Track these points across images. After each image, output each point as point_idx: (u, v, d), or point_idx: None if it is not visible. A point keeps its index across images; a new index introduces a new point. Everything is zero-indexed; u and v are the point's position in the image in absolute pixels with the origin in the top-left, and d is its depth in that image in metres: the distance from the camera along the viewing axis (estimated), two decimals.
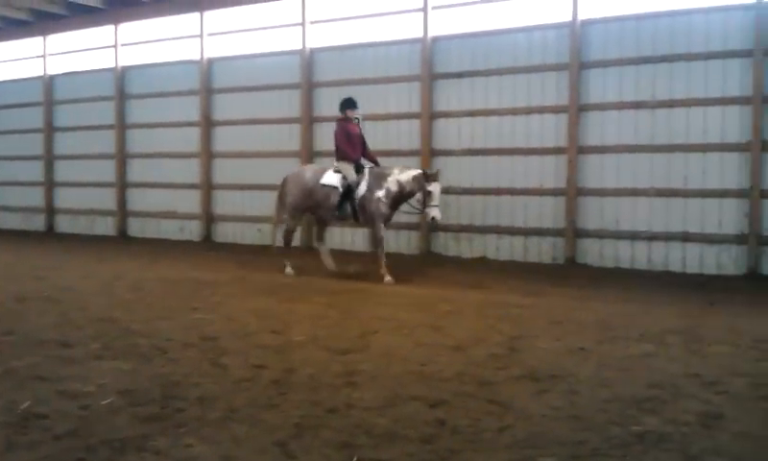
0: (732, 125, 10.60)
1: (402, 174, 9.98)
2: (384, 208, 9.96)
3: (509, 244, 12.36)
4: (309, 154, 14.39)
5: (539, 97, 12.12)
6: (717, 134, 10.71)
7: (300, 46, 14.50)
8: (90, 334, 6.31)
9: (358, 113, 10.58)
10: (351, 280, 9.84)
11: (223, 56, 15.74)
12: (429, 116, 13.06)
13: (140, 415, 4.19)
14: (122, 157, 17.17)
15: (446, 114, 13.02)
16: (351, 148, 10.16)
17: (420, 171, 10.08)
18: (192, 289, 8.95)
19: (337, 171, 10.20)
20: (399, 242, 13.39)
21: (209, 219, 15.94)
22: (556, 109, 11.91)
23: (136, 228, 17.19)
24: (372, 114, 13.52)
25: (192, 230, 16.17)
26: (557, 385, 4.85)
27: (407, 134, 13.31)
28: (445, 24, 13.07)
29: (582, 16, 11.69)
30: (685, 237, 10.83)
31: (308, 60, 14.41)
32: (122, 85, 17.12)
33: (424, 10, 13.03)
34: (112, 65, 17.25)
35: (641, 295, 8.78)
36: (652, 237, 11.09)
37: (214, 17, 15.74)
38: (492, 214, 12.54)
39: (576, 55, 11.64)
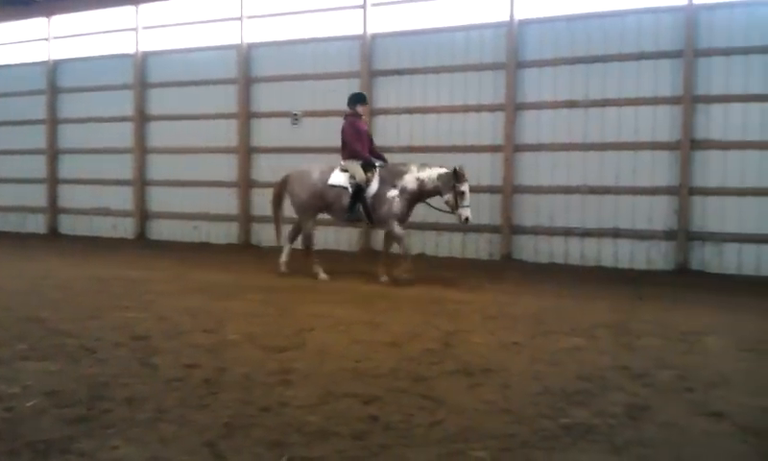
0: (663, 124, 10.92)
1: (423, 171, 9.39)
2: (398, 208, 9.35)
3: (447, 241, 12.46)
4: (247, 150, 14.25)
5: (476, 95, 12.25)
6: (648, 133, 11.02)
7: (237, 41, 14.33)
8: (16, 335, 6.09)
9: (363, 109, 9.94)
10: (289, 278, 9.73)
11: (158, 50, 15.45)
12: (368, 113, 13.02)
13: (66, 417, 4.06)
14: (53, 153, 16.68)
15: (386, 111, 13.04)
16: (361, 145, 9.56)
17: (445, 169, 9.32)
18: (124, 288, 8.73)
19: (344, 170, 9.60)
20: (339, 239, 13.37)
21: (144, 216, 15.60)
22: (493, 108, 12.05)
23: (68, 225, 16.71)
24: (311, 111, 13.52)
25: (126, 228, 15.81)
26: (490, 379, 4.89)
27: None
28: (385, 21, 13.10)
29: (519, 16, 11.87)
30: (617, 233, 11.11)
31: (246, 54, 14.24)
32: (54, 79, 16.64)
33: (364, 6, 13.04)
34: (44, 58, 16.74)
35: (574, 290, 8.95)
36: (585, 233, 11.34)
37: (149, 10, 15.42)
38: (433, 211, 12.57)
39: (513, 54, 11.81)
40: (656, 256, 10.98)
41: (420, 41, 12.74)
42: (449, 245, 12.46)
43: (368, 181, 9.38)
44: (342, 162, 9.71)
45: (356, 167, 9.46)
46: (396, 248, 9.72)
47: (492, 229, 12.08)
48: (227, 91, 14.49)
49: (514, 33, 11.82)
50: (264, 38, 14.27)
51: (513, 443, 3.75)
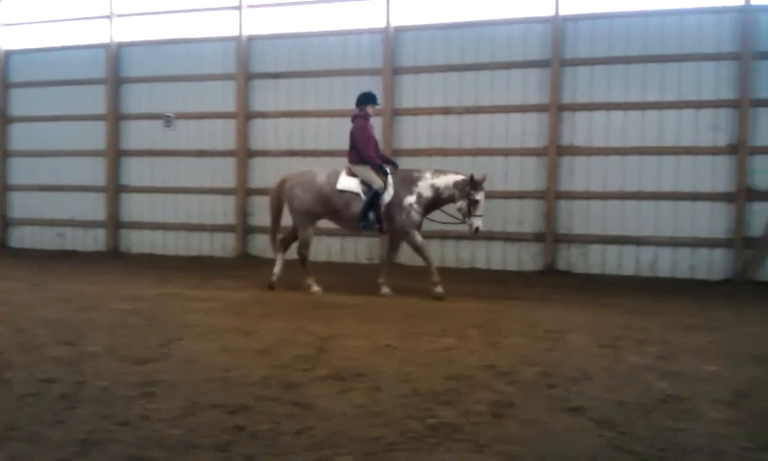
0: (531, 131, 11.35)
1: (438, 178, 8.87)
2: (416, 216, 8.86)
3: (327, 245, 12.42)
4: (116, 153, 13.68)
5: (353, 101, 12.22)
6: (518, 140, 11.41)
7: (106, 40, 13.74)
8: None
9: (372, 111, 9.23)
10: (166, 286, 9.38)
11: (21, 48, 14.59)
12: (245, 116, 12.83)
13: None
14: None
15: (263, 115, 12.89)
16: (374, 150, 9.02)
17: (462, 176, 8.80)
18: None
19: (352, 175, 8.98)
20: (214, 244, 13.05)
21: (4, 223, 14.67)
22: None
23: None
24: (185, 113, 13.14)
25: None
26: (361, 383, 4.86)
27: (221, 134, 13.05)
28: (262, 23, 12.93)
29: (395, 23, 12.00)
30: (489, 236, 11.44)
31: (115, 54, 13.69)
32: None
33: (239, 8, 12.83)
34: None
35: (448, 291, 9.08)
36: (459, 237, 11.60)
37: (11, 6, 14.51)
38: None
39: (389, 60, 11.93)
40: (526, 258, 11.41)
41: (299, 45, 12.67)
42: (328, 249, 12.47)
43: (384, 189, 8.81)
44: (350, 166, 9.06)
45: (370, 173, 8.83)
46: (421, 257, 9.04)
47: (373, 234, 12.11)
48: (95, 92, 13.88)
49: (390, 39, 11.96)
50: (135, 38, 13.75)
51: (379, 446, 3.73)
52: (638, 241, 10.94)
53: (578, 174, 11.18)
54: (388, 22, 11.99)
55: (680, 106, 10.77)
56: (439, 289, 8.68)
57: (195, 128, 13.13)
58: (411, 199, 8.81)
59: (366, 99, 9.13)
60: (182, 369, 5.21)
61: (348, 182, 8.94)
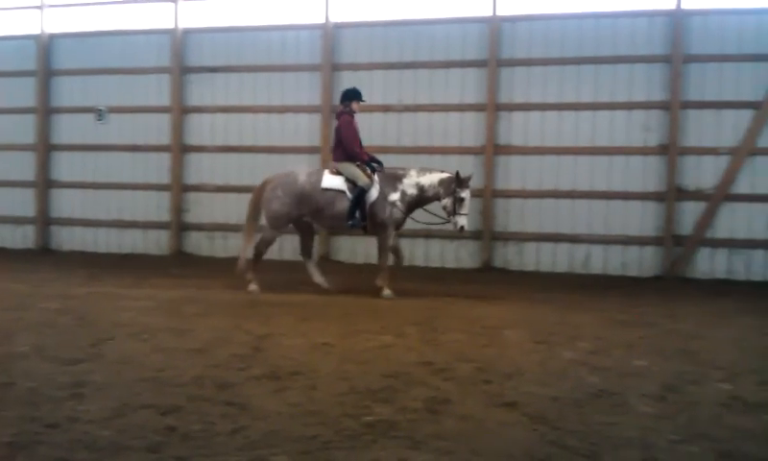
0: (469, 130, 11.45)
1: (423, 176, 8.71)
2: (398, 214, 8.69)
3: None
4: (46, 147, 13.25)
5: (294, 96, 12.22)
6: (456, 138, 11.51)
7: (37, 30, 13.28)
8: None
9: (357, 107, 8.94)
10: (96, 285, 9.12)
11: None
12: (180, 111, 12.59)
13: None
14: None
15: (199, 109, 12.68)
16: (360, 147, 8.84)
17: (448, 174, 8.67)
18: None
19: (336, 173, 8.76)
20: (147, 241, 12.79)
21: None
22: (310, 109, 12.07)
23: None
24: (118, 107, 12.84)
25: None
26: (297, 382, 4.81)
27: (156, 129, 12.78)
28: (198, 16, 12.71)
29: (334, 19, 11.95)
30: (428, 234, 11.49)
31: (46, 45, 13.26)
32: None
33: (175, 0, 12.55)
34: None
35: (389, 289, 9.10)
36: (400, 235, 11.58)
37: None
38: (217, 211, 12.56)
39: (329, 56, 11.89)
40: (464, 255, 11.51)
41: (236, 39, 12.51)
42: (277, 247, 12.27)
43: (369, 187, 8.63)
44: (334, 164, 8.86)
45: (355, 170, 8.67)
46: (378, 255, 8.93)
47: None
48: (24, 84, 13.42)
49: (329, 35, 11.91)
50: (67, 29, 13.33)
51: (314, 445, 3.70)
52: (572, 239, 11.17)
53: (514, 173, 11.34)
54: (327, 18, 11.93)
55: (613, 107, 11.03)
56: (387, 292, 8.61)
57: (128, 122, 12.83)
58: (395, 196, 8.66)
59: (351, 95, 8.88)
60: (114, 369, 5.07)
61: (332, 181, 8.72)
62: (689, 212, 10.87)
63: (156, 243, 12.88)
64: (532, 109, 11.28)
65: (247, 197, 12.11)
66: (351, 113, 8.84)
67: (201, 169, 12.62)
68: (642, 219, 10.99)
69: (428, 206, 8.93)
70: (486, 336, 6.37)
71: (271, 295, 8.49)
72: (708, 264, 10.83)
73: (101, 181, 13.13)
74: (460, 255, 11.54)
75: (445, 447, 3.71)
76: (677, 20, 10.69)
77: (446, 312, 7.55)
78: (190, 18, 12.71)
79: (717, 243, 10.79)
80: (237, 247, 12.24)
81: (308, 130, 12.14)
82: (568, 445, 3.76)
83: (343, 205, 8.65)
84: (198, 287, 9.05)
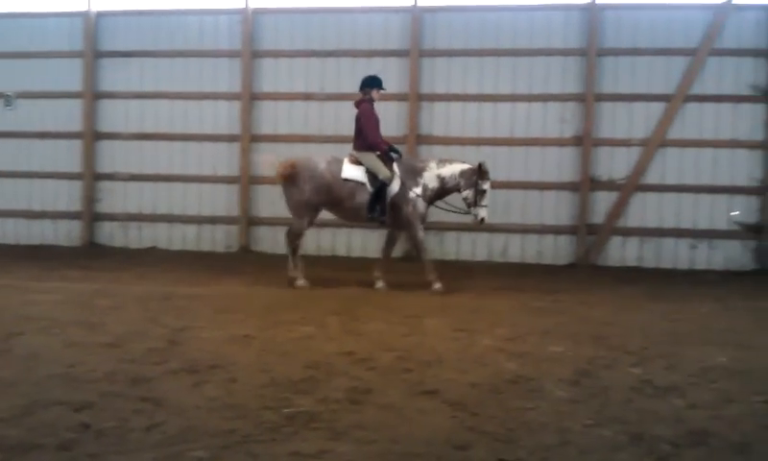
0: (391, 119, 11.45)
1: (444, 168, 8.48)
2: (422, 208, 8.48)
3: (181, 233, 12.04)
4: None
5: (212, 83, 11.96)
6: (381, 127, 11.40)
7: None
8: None
9: (377, 95, 8.70)
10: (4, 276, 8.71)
11: None
12: (93, 96, 12.15)
13: None
14: None
15: (113, 95, 12.28)
16: (380, 137, 8.55)
17: (468, 166, 8.47)
18: None
19: (356, 162, 8.48)
20: (58, 232, 12.31)
21: None
22: (229, 96, 11.86)
23: None
24: (27, 92, 12.31)
25: None
26: (215, 375, 4.72)
27: (66, 115, 12.29)
28: None
29: (254, 5, 11.77)
30: (351, 224, 11.46)
31: None
32: None
33: None
34: None
35: (309, 280, 9.02)
36: (321, 224, 11.52)
37: None
38: (163, 202, 12.13)
39: (248, 43, 11.69)
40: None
41: (152, 23, 12.16)
42: (183, 237, 12.07)
43: (391, 179, 8.37)
44: (354, 153, 8.57)
45: (376, 161, 8.39)
46: (416, 252, 8.85)
47: (230, 220, 11.88)
48: None
49: (249, 21, 11.70)
50: None
51: (234, 438, 3.63)
52: (491, 228, 11.32)
53: None
54: (247, 4, 11.71)
55: (530, 99, 11.25)
56: (437, 285, 8.45)
57: (38, 108, 12.28)
58: (417, 191, 8.44)
59: (370, 82, 8.63)
60: (23, 365, 4.86)
61: (352, 171, 8.44)
62: (602, 202, 11.21)
63: (67, 234, 12.40)
64: (453, 100, 11.40)
65: (163, 186, 12.02)
66: (371, 102, 8.60)
67: (114, 157, 12.22)
68: (557, 209, 11.27)
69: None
70: (407, 325, 6.40)
71: (186, 287, 8.30)
72: (620, 252, 11.21)
73: (9, 169, 12.52)
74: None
75: (366, 436, 3.71)
76: (592, 14, 10.98)
77: (368, 301, 7.57)
78: (104, 1, 12.25)
79: (629, 232, 11.18)
80: (152, 237, 12.05)
81: (227, 117, 11.91)
82: (487, 430, 3.81)
83: (363, 197, 8.39)
84: (110, 280, 8.78)
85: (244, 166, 11.72)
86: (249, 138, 11.74)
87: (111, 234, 12.26)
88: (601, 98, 11.07)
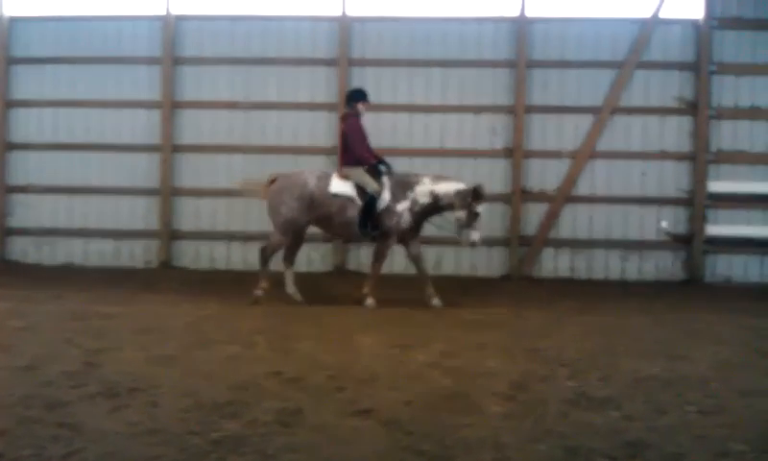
0: (321, 129, 11.32)
1: (439, 185, 8.32)
2: (406, 224, 8.31)
3: (98, 248, 11.53)
4: None
5: (132, 91, 11.52)
6: (307, 138, 11.32)
7: None
8: None
9: (364, 108, 8.60)
10: None
11: None
12: (4, 105, 11.56)
13: None
14: None
15: (25, 103, 11.68)
16: (369, 151, 8.44)
17: (464, 186, 8.29)
18: None
19: (344, 177, 8.32)
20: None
21: None
22: (148, 105, 11.44)
23: None
24: None
25: None
26: (136, 399, 4.43)
27: None
28: (25, 3, 11.69)
29: (176, 11, 11.40)
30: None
31: None
32: None
33: None
34: None
35: (236, 296, 8.75)
36: (248, 238, 11.25)
37: None
38: (78, 216, 11.56)
39: (170, 49, 11.33)
40: (316, 259, 11.35)
41: (68, 28, 11.66)
42: (100, 253, 11.55)
43: (380, 193, 8.23)
44: (342, 169, 8.40)
45: (364, 175, 8.25)
46: (374, 260, 8.60)
47: (149, 234, 11.44)
48: None
49: (170, 27, 11.33)
50: None
51: None
52: (424, 241, 11.14)
53: None
54: (168, 10, 11.34)
55: (461, 110, 11.24)
56: (369, 301, 8.34)
57: None
58: (404, 205, 8.30)
59: (356, 96, 8.57)
60: None
61: (341, 186, 8.31)
62: (534, 214, 11.27)
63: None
64: (383, 110, 11.25)
65: (79, 199, 11.49)
66: (357, 115, 8.50)
67: (27, 169, 11.61)
68: (490, 220, 11.14)
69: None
70: (339, 342, 6.22)
71: (103, 306, 7.86)
72: (553, 264, 11.28)
73: None
74: (312, 259, 11.31)
75: (298, 459, 3.55)
76: (521, 27, 11.06)
77: (298, 318, 7.35)
78: (16, 5, 11.66)
79: (560, 243, 11.26)
80: (67, 253, 11.48)
81: (147, 126, 11.47)
82: (422, 449, 3.70)
83: (353, 212, 8.27)
84: (23, 299, 8.26)
85: (164, 177, 11.30)
86: (170, 148, 11.34)
87: (24, 251, 11.62)
88: (531, 110, 11.14)
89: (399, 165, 10.96)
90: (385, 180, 8.37)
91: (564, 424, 4.14)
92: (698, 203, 10.99)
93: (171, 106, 11.29)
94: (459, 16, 11.29)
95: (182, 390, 4.63)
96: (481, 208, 8.19)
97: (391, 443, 3.78)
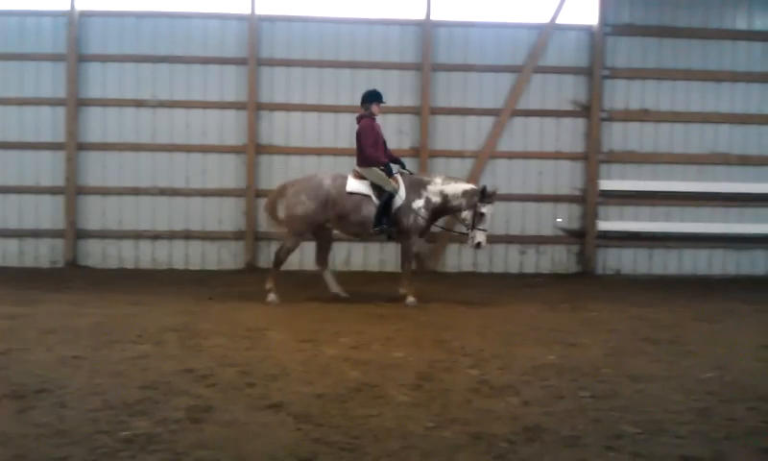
0: (230, 128, 11.27)
1: (448, 185, 8.48)
2: (422, 221, 8.43)
3: (1, 248, 11.14)
4: None
5: (33, 88, 11.17)
6: (216, 136, 11.26)
7: None
8: None
9: (377, 109, 8.64)
10: None
11: None
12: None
13: None
14: None
15: None
16: (380, 150, 8.51)
17: (473, 186, 8.50)
18: None
19: (360, 177, 8.45)
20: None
21: None
22: (53, 102, 11.15)
23: None
24: None
25: None
26: (44, 400, 4.42)
27: None
28: None
29: (80, 7, 11.13)
30: (188, 235, 11.17)
31: None
32: None
33: None
34: None
35: (145, 295, 8.68)
36: (156, 236, 11.15)
37: None
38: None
39: (74, 46, 11.05)
40: (226, 256, 11.31)
41: None
42: (3, 253, 11.17)
43: (396, 190, 8.35)
44: (357, 169, 8.53)
45: (381, 174, 8.39)
46: (402, 262, 8.76)
47: (55, 233, 11.14)
48: None
49: (75, 23, 11.05)
50: None
51: None
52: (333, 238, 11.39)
53: (276, 173, 11.28)
54: (72, 5, 11.04)
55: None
56: (411, 299, 8.41)
57: None
58: (419, 203, 8.45)
59: (370, 97, 8.59)
60: None
61: (357, 185, 8.46)
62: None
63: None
64: (293, 110, 11.35)
65: None
66: (372, 117, 8.59)
67: None
68: None
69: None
70: (250, 339, 6.31)
71: (5, 307, 7.67)
72: (457, 258, 11.62)
73: None
74: (222, 257, 11.29)
75: (209, 455, 3.63)
76: (426, 30, 11.34)
77: (208, 316, 7.39)
78: None
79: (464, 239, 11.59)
80: None
81: (51, 124, 11.15)
82: (332, 441, 3.84)
83: (369, 210, 8.39)
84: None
85: (70, 176, 11.03)
86: (75, 146, 11.06)
87: None
88: (436, 111, 11.44)
89: (309, 165, 11.21)
90: (400, 179, 8.56)
91: (468, 412, 4.37)
92: (590, 200, 11.55)
93: (76, 103, 11.02)
94: (367, 18, 11.44)
95: (91, 390, 4.65)
96: (486, 209, 8.34)
97: (301, 435, 3.90)
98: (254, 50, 11.21)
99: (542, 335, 6.75)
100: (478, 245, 8.42)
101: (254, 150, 11.22)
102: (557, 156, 11.61)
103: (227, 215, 11.29)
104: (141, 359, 5.50)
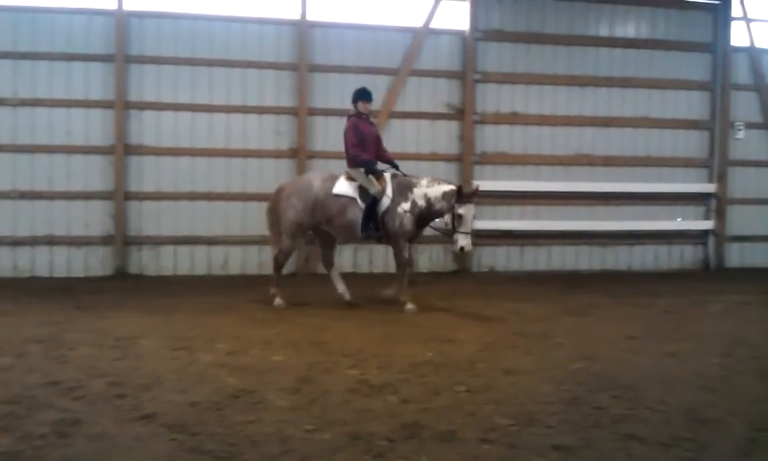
0: (96, 128, 10.77)
1: (431, 188, 8.12)
2: (409, 225, 8.11)
3: None
4: None
5: None
6: (81, 137, 10.73)
7: None
8: None
9: (364, 107, 8.53)
10: None
11: None
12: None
13: None
14: None
15: None
16: (362, 149, 8.28)
17: (451, 187, 8.05)
18: None
19: (350, 178, 8.26)
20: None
21: None
22: None
23: None
24: None
25: None
26: None
27: None
28: None
29: None
30: (51, 241, 10.57)
31: None
32: None
33: None
34: None
35: (5, 304, 8.16)
36: (17, 242, 10.49)
37: None
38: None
39: None
40: (94, 262, 10.78)
41: None
42: None
43: (381, 194, 8.13)
44: (347, 170, 8.38)
45: (365, 177, 8.21)
46: (396, 269, 8.60)
47: None
48: None
49: None
50: None
51: None
52: (210, 241, 11.12)
53: (147, 174, 10.91)
54: None
55: (245, 110, 11.20)
56: (410, 306, 8.13)
57: None
58: (405, 206, 8.16)
59: (356, 96, 8.56)
60: None
61: (344, 187, 8.28)
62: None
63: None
64: (164, 109, 10.97)
65: None
66: (358, 115, 8.50)
67: None
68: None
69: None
70: (119, 348, 6.09)
71: None
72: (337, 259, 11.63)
73: None
74: (89, 263, 10.74)
75: None
76: (302, 30, 11.21)
77: (74, 326, 7.05)
78: None
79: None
80: None
81: None
82: (207, 449, 3.79)
83: (354, 213, 8.19)
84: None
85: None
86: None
87: None
88: (313, 112, 11.41)
89: (182, 166, 10.90)
90: (388, 181, 8.33)
91: (347, 412, 4.41)
92: None
93: None
94: (241, 17, 11.24)
95: None
96: (463, 210, 7.84)
97: (175, 446, 3.82)
98: (122, 47, 10.74)
99: (420, 333, 6.89)
100: (461, 249, 7.97)
101: (123, 150, 10.76)
102: (433, 157, 11.83)
103: (93, 219, 10.76)
104: (2, 372, 5.22)
